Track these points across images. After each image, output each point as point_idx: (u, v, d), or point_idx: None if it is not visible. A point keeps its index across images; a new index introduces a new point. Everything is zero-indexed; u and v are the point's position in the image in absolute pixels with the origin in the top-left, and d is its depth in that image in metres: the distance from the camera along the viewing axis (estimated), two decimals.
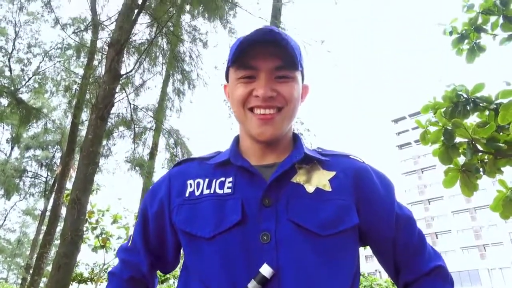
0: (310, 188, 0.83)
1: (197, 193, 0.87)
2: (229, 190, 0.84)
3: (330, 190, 0.83)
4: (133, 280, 0.93)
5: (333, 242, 0.78)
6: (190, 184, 0.89)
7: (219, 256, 0.78)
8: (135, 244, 0.95)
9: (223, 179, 0.87)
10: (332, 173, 0.87)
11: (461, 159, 3.50)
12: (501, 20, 3.94)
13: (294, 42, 0.87)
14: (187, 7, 7.31)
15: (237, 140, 0.96)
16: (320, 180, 0.85)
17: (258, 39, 0.81)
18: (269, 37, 0.81)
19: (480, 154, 3.48)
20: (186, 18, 8.02)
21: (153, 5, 6.18)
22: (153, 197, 0.94)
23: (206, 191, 0.86)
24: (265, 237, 0.77)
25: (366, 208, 0.85)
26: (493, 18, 4.00)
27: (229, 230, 0.79)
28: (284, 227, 0.78)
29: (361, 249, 0.94)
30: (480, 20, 4.05)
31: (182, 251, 0.91)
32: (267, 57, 0.83)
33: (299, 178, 0.85)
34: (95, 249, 12.23)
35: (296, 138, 0.95)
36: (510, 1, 3.83)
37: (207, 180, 0.88)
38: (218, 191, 0.85)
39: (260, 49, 0.83)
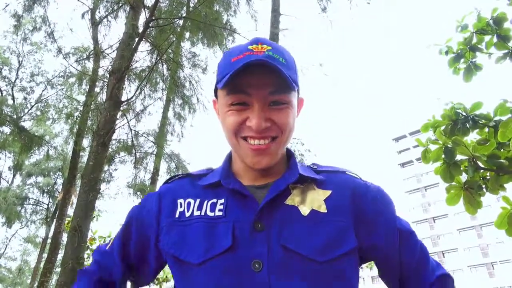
0: (304, 210, 0.78)
1: (187, 214, 0.82)
2: (220, 213, 0.80)
3: (326, 211, 0.78)
4: (102, 283, 0.88)
5: (330, 269, 0.73)
6: (181, 204, 0.85)
7: (208, 283, 0.73)
8: (112, 251, 0.90)
9: (214, 200, 0.83)
10: (328, 192, 0.82)
11: (463, 177, 3.48)
12: (495, 39, 4.00)
13: (289, 58, 0.81)
14: (187, 34, 7.47)
15: (229, 158, 0.91)
16: (315, 200, 0.80)
17: (250, 62, 0.72)
18: (263, 61, 0.72)
19: (481, 171, 3.47)
20: (185, 44, 8.20)
21: (153, 33, 6.31)
22: (141, 212, 0.90)
23: (196, 213, 0.82)
24: (256, 265, 0.72)
25: (367, 227, 0.81)
26: (487, 37, 4.06)
27: (218, 256, 0.74)
28: (277, 254, 0.73)
29: (367, 270, 0.91)
30: (475, 40, 4.11)
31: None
32: (260, 81, 0.75)
33: (293, 199, 0.80)
34: None
35: (290, 155, 0.90)
36: (503, 21, 3.90)
37: (198, 200, 0.84)
38: (209, 213, 0.81)
39: (252, 72, 0.74)
